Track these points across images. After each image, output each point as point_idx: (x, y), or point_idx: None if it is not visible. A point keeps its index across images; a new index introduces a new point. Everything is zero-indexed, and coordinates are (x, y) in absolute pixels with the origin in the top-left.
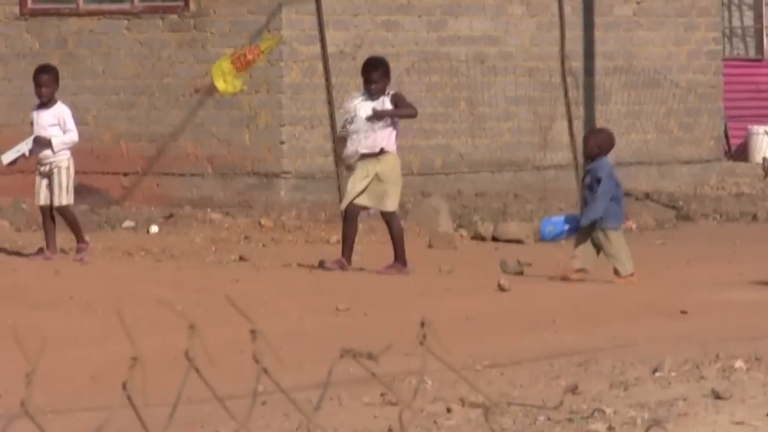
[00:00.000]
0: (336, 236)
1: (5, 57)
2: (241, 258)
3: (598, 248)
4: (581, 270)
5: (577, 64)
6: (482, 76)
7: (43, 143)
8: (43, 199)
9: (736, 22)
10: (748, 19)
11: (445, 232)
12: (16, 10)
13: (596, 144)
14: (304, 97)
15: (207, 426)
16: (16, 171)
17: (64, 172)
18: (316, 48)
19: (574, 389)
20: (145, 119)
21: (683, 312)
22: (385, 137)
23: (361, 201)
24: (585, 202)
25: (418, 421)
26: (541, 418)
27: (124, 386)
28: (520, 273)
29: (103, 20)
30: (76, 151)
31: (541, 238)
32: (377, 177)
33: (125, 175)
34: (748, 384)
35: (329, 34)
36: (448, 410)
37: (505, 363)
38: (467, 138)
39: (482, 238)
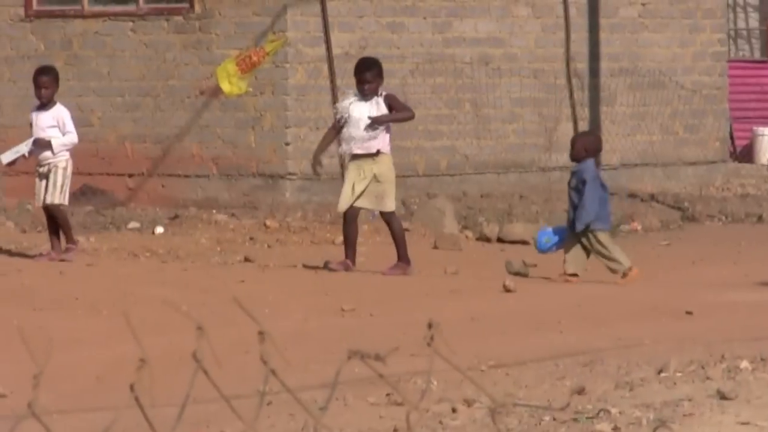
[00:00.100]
0: (341, 237)
1: (10, 58)
2: (247, 259)
3: (588, 252)
4: (574, 275)
5: (582, 65)
6: (487, 78)
7: (43, 145)
8: (42, 200)
9: (741, 24)
10: (753, 20)
11: (451, 234)
12: (21, 11)
13: (583, 147)
14: (309, 98)
15: (213, 426)
16: (20, 172)
17: (60, 172)
18: (321, 50)
19: (580, 391)
20: (151, 121)
21: (688, 313)
22: (381, 138)
23: (361, 204)
24: (572, 204)
25: (424, 422)
26: (547, 419)
27: (131, 388)
28: (526, 274)
29: (108, 22)
30: (81, 152)
31: (539, 249)
32: (375, 178)
33: (130, 176)
34: (753, 384)
35: (334, 36)
36: (454, 410)
37: (510, 363)
38: (472, 139)
39: (487, 240)
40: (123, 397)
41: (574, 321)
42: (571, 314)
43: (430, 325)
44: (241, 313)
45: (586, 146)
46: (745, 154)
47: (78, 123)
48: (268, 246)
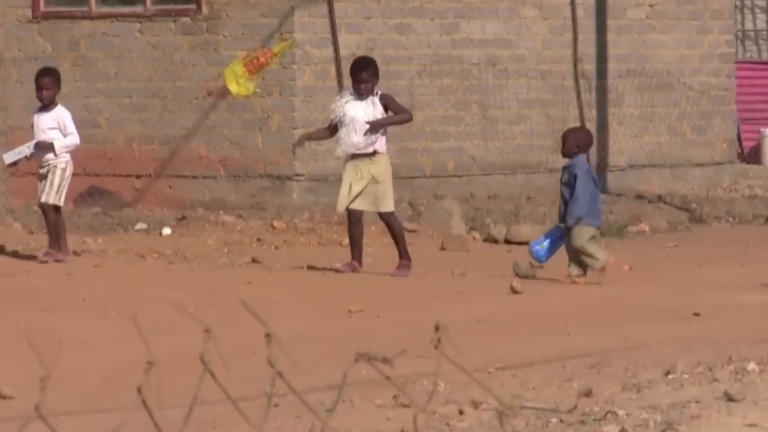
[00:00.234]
0: (348, 239)
1: (18, 60)
2: (254, 260)
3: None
4: (581, 275)
5: (589, 66)
6: (494, 79)
7: (45, 147)
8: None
9: (749, 25)
10: (761, 22)
11: (458, 235)
12: (29, 13)
13: (575, 143)
14: (317, 99)
15: (220, 428)
16: (27, 173)
17: (59, 173)
18: (329, 51)
19: (588, 393)
20: (158, 122)
21: (696, 314)
22: (378, 139)
23: (359, 206)
24: (563, 200)
25: (431, 424)
26: (554, 421)
27: (138, 390)
28: (533, 276)
29: (116, 23)
30: (88, 153)
31: (537, 259)
32: (374, 179)
33: (138, 177)
34: (760, 386)
35: (342, 37)
36: (461, 412)
37: (517, 365)
38: (479, 141)
39: (495, 241)
40: (130, 398)
41: (581, 323)
42: (578, 316)
43: (437, 328)
44: (248, 315)
45: (578, 142)
46: (753, 156)
47: (85, 124)
48: (276, 247)
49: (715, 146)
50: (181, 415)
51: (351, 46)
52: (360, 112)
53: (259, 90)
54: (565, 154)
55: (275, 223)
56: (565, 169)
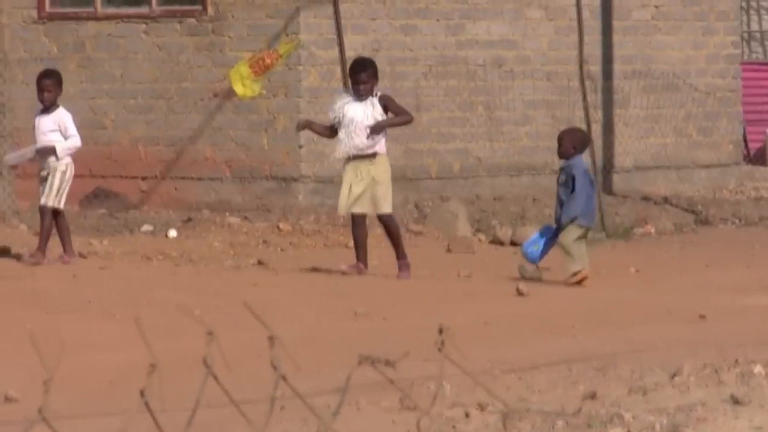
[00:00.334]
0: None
1: (23, 61)
2: (260, 262)
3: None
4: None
5: (595, 68)
6: (500, 80)
7: (47, 152)
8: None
9: (754, 26)
10: (767, 23)
11: (464, 237)
12: (34, 13)
13: (571, 144)
14: (323, 101)
15: (223, 431)
16: (34, 175)
17: (59, 175)
18: (335, 52)
19: (593, 395)
20: (164, 123)
21: (702, 317)
22: (378, 140)
23: (359, 209)
24: (559, 201)
25: (437, 426)
26: (560, 423)
27: (142, 393)
28: (539, 278)
29: (121, 24)
30: (93, 155)
31: (531, 260)
32: (374, 180)
33: (143, 179)
34: (767, 389)
35: (347, 38)
36: (467, 415)
37: (523, 368)
38: (485, 142)
39: (501, 243)
40: (135, 401)
41: (587, 325)
42: (584, 318)
43: (440, 330)
44: (254, 317)
45: (575, 143)
46: (759, 157)
47: (91, 125)
48: (281, 249)
49: (721, 148)
50: (185, 418)
51: (357, 47)
52: (359, 113)
53: (264, 91)
54: (561, 155)
55: (281, 225)
56: (562, 170)
